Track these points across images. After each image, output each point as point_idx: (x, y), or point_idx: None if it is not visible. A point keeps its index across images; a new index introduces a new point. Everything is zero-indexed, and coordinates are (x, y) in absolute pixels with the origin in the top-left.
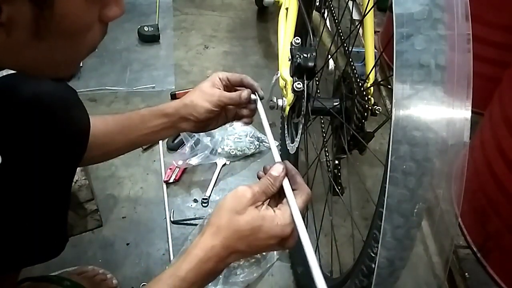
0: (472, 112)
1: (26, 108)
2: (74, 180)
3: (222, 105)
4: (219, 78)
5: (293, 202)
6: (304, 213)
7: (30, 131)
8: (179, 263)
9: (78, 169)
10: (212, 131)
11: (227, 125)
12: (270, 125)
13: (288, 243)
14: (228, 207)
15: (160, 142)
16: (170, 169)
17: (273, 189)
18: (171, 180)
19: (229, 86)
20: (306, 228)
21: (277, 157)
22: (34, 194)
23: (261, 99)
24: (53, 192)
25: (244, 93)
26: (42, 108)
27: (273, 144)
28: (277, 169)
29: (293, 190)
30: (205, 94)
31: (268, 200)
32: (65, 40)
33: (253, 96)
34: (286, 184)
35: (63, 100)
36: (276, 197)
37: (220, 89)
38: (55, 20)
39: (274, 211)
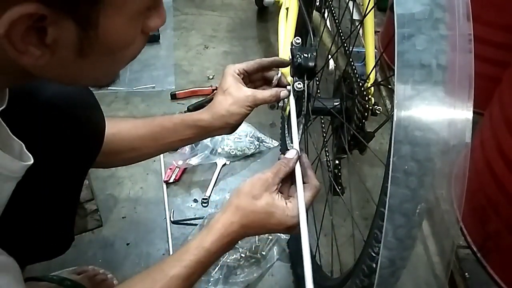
0: (473, 112)
1: (46, 108)
2: None
3: (256, 106)
4: (238, 72)
5: (301, 192)
6: (309, 206)
7: (49, 131)
8: (203, 236)
9: None
10: None
11: None
12: (270, 125)
13: (293, 231)
14: (246, 190)
15: None
16: (170, 169)
17: (286, 169)
18: (171, 180)
19: (247, 76)
20: (308, 221)
21: (296, 144)
22: (46, 192)
23: (286, 85)
24: (64, 191)
25: (284, 93)
26: (61, 108)
27: (295, 132)
28: (291, 153)
29: (303, 183)
30: (238, 100)
31: (280, 185)
32: (108, 56)
33: (284, 93)
34: (298, 172)
35: (81, 101)
36: (289, 185)
37: (244, 85)
38: (99, 40)
39: (286, 203)
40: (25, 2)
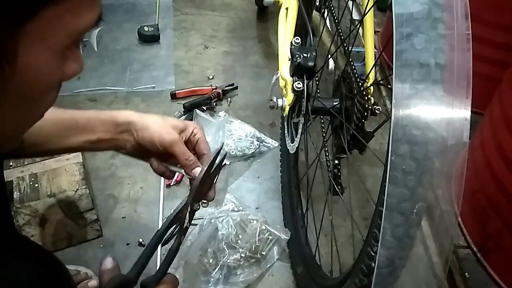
0: (472, 112)
1: None
2: (74, 189)
3: (170, 149)
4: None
5: None
6: None
7: None
8: None
9: (79, 177)
10: (212, 131)
11: (227, 124)
12: (270, 125)
13: None
14: None
15: None
16: None
17: None
18: (173, 183)
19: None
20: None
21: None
22: None
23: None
24: None
25: (198, 173)
26: None
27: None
28: None
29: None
30: (165, 128)
31: None
32: (21, 105)
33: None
34: None
35: None
36: None
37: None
38: (15, 80)
39: None
40: None
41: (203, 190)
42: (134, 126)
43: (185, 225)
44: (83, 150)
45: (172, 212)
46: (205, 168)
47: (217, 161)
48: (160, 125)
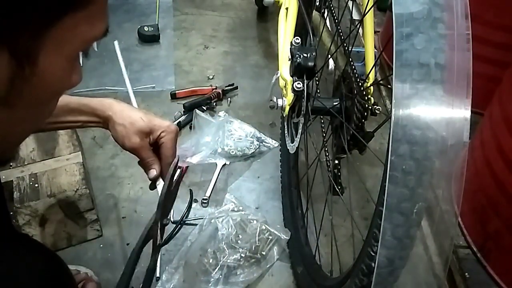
0: (472, 112)
1: None
2: (74, 189)
3: (131, 152)
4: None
5: None
6: None
7: None
8: None
9: (79, 177)
10: (212, 131)
11: (227, 124)
12: (270, 125)
13: None
14: None
15: None
16: None
17: None
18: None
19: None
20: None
21: None
22: None
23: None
24: None
25: (152, 174)
26: None
27: None
28: None
29: None
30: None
31: None
32: (32, 107)
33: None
34: None
35: None
36: None
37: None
38: (33, 82)
39: None
40: None
41: (168, 205)
42: (110, 122)
43: (158, 242)
44: (72, 128)
45: (144, 230)
46: (166, 184)
47: (175, 176)
48: (126, 129)
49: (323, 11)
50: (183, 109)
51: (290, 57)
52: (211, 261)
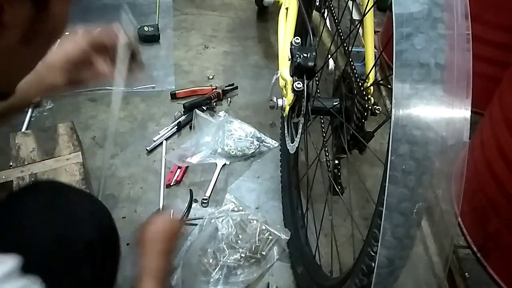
0: (472, 112)
1: None
2: None
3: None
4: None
5: None
6: None
7: None
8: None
9: (79, 177)
10: (212, 131)
11: (227, 124)
12: (270, 125)
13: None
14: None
15: (164, 142)
16: (171, 172)
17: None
18: (172, 183)
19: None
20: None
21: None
22: None
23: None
24: None
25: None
26: None
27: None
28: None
29: None
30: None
31: None
32: (44, 45)
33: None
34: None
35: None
36: None
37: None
38: (46, 24)
39: None
40: None
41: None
42: None
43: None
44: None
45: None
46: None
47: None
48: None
49: (323, 11)
50: (183, 109)
51: (290, 57)
52: (211, 261)
